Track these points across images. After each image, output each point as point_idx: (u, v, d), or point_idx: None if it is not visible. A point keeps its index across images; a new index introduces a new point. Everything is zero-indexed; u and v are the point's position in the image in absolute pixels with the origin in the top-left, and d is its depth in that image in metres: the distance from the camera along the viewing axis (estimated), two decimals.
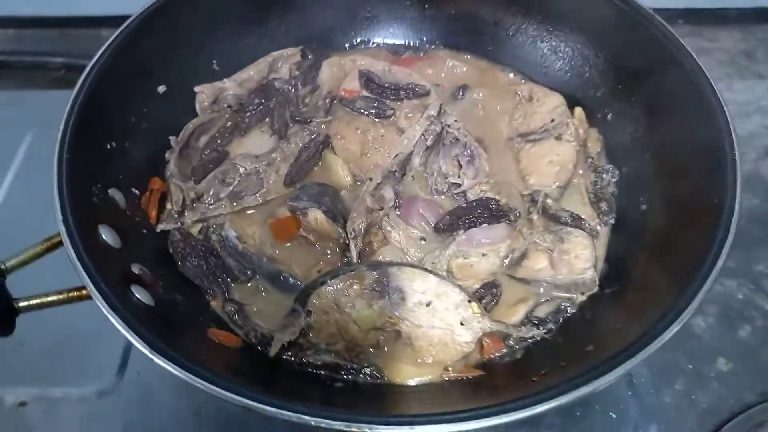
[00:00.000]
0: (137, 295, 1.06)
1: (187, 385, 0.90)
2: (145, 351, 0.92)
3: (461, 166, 1.38)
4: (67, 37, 2.21)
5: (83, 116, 1.19)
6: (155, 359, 0.92)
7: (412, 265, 1.23)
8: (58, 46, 2.17)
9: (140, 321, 0.97)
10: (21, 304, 1.00)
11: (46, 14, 2.19)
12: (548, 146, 1.42)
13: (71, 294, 1.00)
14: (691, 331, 1.49)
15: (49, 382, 1.36)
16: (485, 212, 1.29)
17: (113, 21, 2.05)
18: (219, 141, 1.45)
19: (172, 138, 1.41)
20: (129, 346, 1.38)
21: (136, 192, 1.30)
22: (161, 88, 1.42)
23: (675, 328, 0.95)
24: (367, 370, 1.16)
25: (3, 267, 1.01)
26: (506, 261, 1.30)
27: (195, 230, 1.33)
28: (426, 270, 1.21)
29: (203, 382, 0.89)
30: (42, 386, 1.36)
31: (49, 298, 1.00)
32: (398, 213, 1.36)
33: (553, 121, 1.45)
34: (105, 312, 0.95)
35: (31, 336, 1.39)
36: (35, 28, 2.23)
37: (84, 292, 0.98)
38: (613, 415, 1.32)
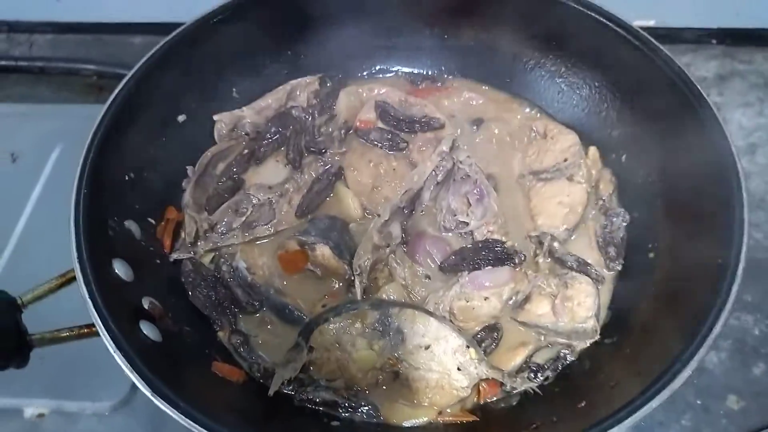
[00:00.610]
0: (145, 332, 1.11)
1: None
2: (148, 393, 0.96)
3: (470, 204, 1.39)
4: (101, 43, 2.29)
5: (104, 150, 1.24)
6: (157, 402, 0.96)
7: (414, 306, 1.25)
8: (93, 51, 2.25)
9: (146, 360, 1.01)
10: (35, 338, 1.05)
11: (82, 20, 2.27)
12: (559, 186, 1.42)
13: (82, 331, 1.05)
14: (702, 366, 1.46)
15: (66, 395, 1.43)
16: (490, 254, 1.30)
17: (145, 27, 2.16)
18: (235, 169, 1.49)
19: (189, 168, 1.45)
20: None
21: (152, 221, 1.35)
22: (181, 118, 1.46)
23: (665, 395, 0.96)
24: (364, 409, 1.19)
25: (20, 302, 1.06)
26: (510, 303, 1.31)
27: (207, 260, 1.38)
28: (427, 312, 1.24)
29: (201, 429, 0.93)
30: (59, 399, 1.43)
31: (62, 334, 1.05)
32: (405, 249, 1.38)
33: (566, 160, 1.44)
34: (112, 352, 1.00)
35: (51, 351, 1.44)
36: (72, 33, 2.32)
37: (94, 329, 1.03)
38: None
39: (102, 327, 1.02)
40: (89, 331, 1.04)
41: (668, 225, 1.31)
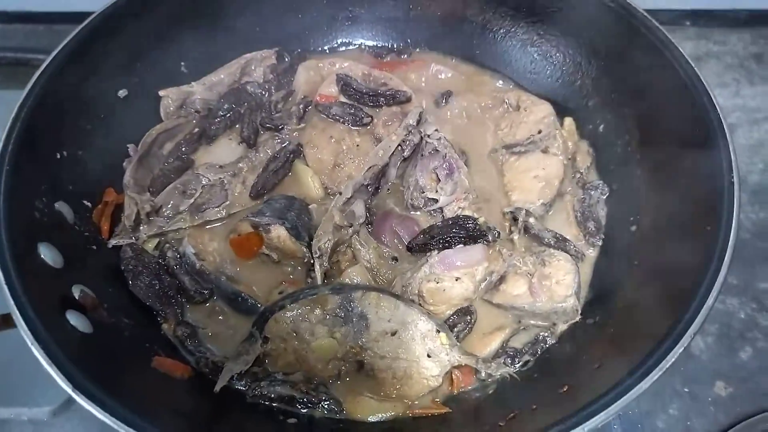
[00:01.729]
0: (72, 323, 0.98)
1: None
2: (69, 390, 0.84)
3: (439, 180, 1.29)
4: (53, 33, 2.14)
5: (30, 123, 1.12)
6: (80, 401, 0.83)
7: (379, 289, 1.14)
8: (44, 41, 2.10)
9: (71, 354, 0.89)
10: None
11: (32, 9, 2.12)
12: (534, 159, 1.33)
13: None
14: (688, 352, 1.36)
15: None
16: (461, 232, 1.20)
17: None
18: (184, 148, 1.37)
19: (130, 146, 1.32)
20: None
21: (88, 204, 1.22)
22: (122, 93, 1.34)
23: (655, 375, 0.86)
24: (326, 404, 1.08)
25: None
26: (483, 284, 1.20)
27: (151, 246, 1.25)
28: (393, 295, 1.13)
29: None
30: None
31: None
32: (370, 229, 1.27)
33: (540, 132, 1.35)
34: (29, 344, 0.87)
35: None
36: (21, 23, 2.16)
37: (11, 320, 0.90)
38: None
39: (19, 315, 0.89)
40: (4, 322, 0.91)
41: (651, 195, 1.23)
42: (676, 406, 1.33)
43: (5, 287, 0.92)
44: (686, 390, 1.35)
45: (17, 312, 0.90)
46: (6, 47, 2.08)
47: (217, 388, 1.03)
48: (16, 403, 1.28)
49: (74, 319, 0.99)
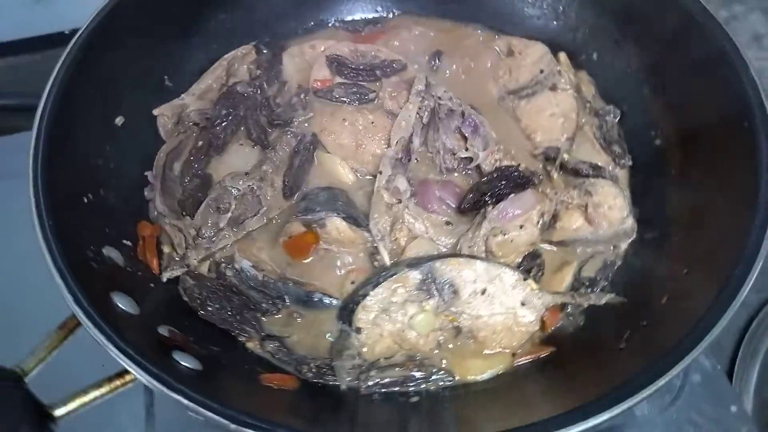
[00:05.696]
0: (182, 363, 0.93)
1: None
2: (222, 420, 0.80)
3: (466, 138, 1.30)
4: None
5: (50, 174, 1.02)
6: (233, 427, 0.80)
7: (454, 255, 1.15)
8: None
9: (197, 390, 0.84)
10: (57, 412, 0.83)
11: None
12: (545, 99, 1.36)
13: (114, 383, 0.85)
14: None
15: None
16: (510, 182, 1.22)
17: None
18: (196, 165, 1.29)
19: (148, 173, 1.24)
20: (151, 408, 1.24)
21: (128, 243, 1.14)
22: (119, 120, 1.24)
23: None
24: (438, 376, 1.08)
25: (19, 371, 0.84)
26: (539, 226, 1.24)
27: (204, 270, 1.19)
28: (469, 257, 1.14)
29: None
30: None
31: (90, 395, 0.84)
32: (416, 201, 1.27)
33: (542, 71, 1.38)
34: (165, 391, 0.82)
35: None
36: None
37: (128, 377, 0.84)
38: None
39: (136, 368, 0.83)
40: (123, 381, 0.84)
41: (666, 109, 1.29)
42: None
43: (112, 347, 0.84)
44: None
45: (134, 366, 0.83)
46: None
47: (344, 386, 1.01)
48: None
49: (181, 358, 0.93)
